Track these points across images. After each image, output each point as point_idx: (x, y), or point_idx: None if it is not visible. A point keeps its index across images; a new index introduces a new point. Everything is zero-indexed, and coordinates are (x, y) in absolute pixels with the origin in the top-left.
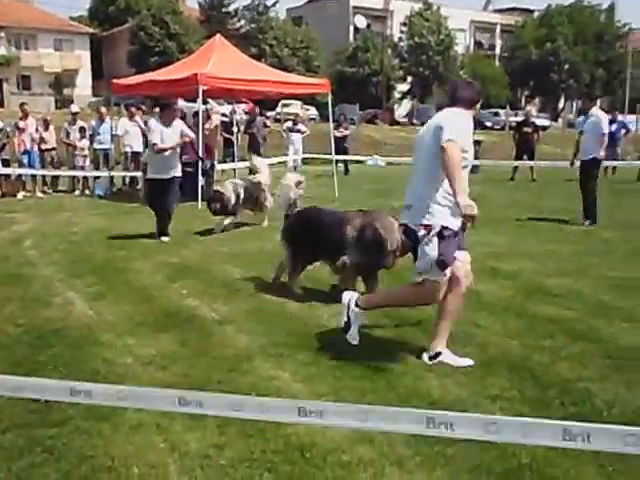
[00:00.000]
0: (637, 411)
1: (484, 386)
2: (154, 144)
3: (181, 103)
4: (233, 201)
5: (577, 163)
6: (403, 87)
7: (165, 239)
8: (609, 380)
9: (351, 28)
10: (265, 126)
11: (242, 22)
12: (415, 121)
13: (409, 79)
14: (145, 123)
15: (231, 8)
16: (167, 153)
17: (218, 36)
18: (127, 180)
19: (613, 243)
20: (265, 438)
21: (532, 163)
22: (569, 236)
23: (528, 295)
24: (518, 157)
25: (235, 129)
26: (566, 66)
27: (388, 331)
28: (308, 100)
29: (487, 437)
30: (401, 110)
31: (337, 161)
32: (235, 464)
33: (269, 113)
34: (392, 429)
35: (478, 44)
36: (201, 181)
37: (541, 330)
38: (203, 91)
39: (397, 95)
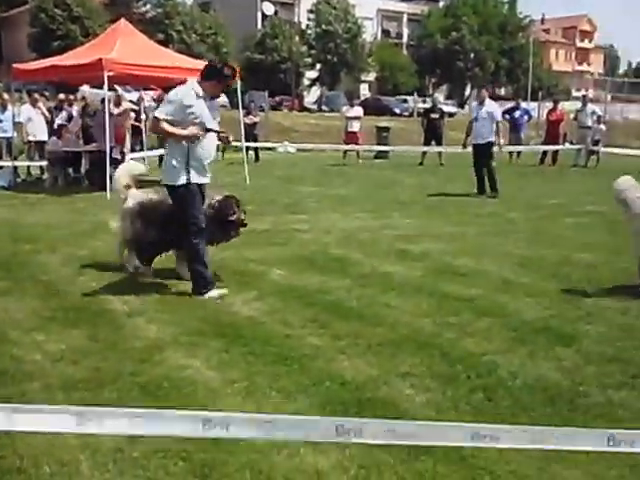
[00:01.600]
0: (539, 379)
1: (395, 364)
2: (196, 122)
3: (86, 89)
4: None
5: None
6: (312, 74)
7: (220, 293)
8: (513, 352)
9: (259, 15)
10: None
11: (148, 6)
12: (324, 108)
13: (318, 66)
14: (53, 110)
15: None
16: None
17: (122, 20)
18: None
19: (517, 223)
20: None
21: (440, 148)
22: (475, 218)
23: (437, 275)
24: (426, 143)
25: (143, 117)
26: (472, 55)
27: (299, 315)
28: None
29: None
30: (310, 97)
31: (247, 148)
32: (149, 456)
33: None
34: (301, 437)
35: (385, 32)
36: (110, 170)
37: (449, 308)
38: (108, 77)
39: (306, 82)
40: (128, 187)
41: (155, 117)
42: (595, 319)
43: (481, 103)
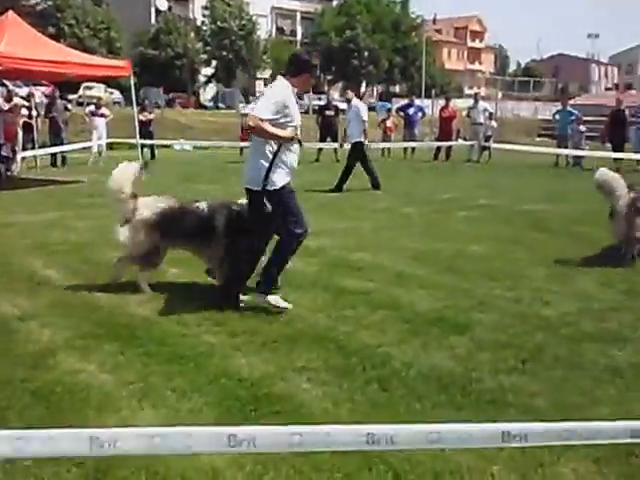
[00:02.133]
0: (433, 368)
1: (291, 360)
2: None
3: None
4: None
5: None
6: (208, 71)
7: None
8: (407, 343)
9: (152, 10)
10: (66, 110)
11: None
12: (221, 105)
13: (213, 63)
14: None
15: None
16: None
17: (10, 13)
18: None
19: (412, 218)
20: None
21: (336, 145)
22: (371, 213)
23: (332, 270)
24: (322, 139)
25: (35, 113)
26: (366, 53)
27: (195, 314)
28: (112, 83)
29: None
30: (207, 94)
31: (143, 146)
32: (41, 464)
33: (71, 96)
34: (184, 452)
35: (280, 30)
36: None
37: (345, 302)
38: None
39: (202, 79)
40: (134, 196)
41: (257, 117)
42: (488, 308)
43: (348, 103)
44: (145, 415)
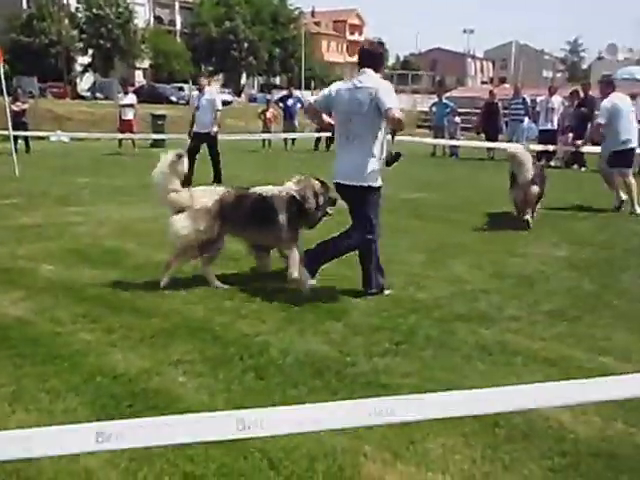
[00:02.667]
0: (308, 354)
1: (167, 354)
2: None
3: None
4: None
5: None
6: (84, 60)
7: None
8: (284, 331)
9: None
10: None
11: None
12: (99, 95)
13: (90, 52)
14: None
15: None
16: None
17: None
18: None
19: None
20: None
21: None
22: None
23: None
24: None
25: None
26: (245, 44)
27: (70, 312)
28: None
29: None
30: (84, 84)
31: (16, 137)
32: None
33: None
34: (50, 453)
35: (158, 19)
36: None
37: (223, 293)
38: None
39: (79, 68)
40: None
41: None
42: (364, 293)
43: (201, 91)
44: (17, 419)
